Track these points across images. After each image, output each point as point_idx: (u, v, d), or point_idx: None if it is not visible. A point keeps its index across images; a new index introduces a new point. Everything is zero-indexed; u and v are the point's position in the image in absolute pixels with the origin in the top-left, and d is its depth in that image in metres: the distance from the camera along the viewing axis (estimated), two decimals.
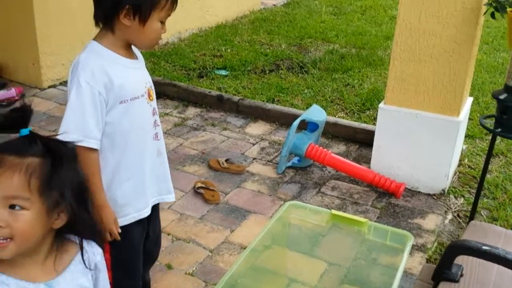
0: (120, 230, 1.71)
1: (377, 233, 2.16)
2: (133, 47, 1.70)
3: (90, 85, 1.57)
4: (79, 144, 1.54)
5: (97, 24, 1.65)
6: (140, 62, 1.75)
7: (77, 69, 1.58)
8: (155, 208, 1.89)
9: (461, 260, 1.83)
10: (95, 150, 1.62)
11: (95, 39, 1.65)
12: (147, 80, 1.75)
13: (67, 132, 1.51)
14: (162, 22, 1.62)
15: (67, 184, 1.10)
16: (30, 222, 1.06)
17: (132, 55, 1.70)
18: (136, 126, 1.69)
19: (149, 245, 1.92)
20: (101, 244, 1.22)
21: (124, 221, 1.72)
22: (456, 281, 1.79)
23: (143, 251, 1.89)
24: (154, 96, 1.77)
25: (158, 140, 1.80)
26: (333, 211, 2.19)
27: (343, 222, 2.20)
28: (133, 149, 1.69)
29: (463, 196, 3.25)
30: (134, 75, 1.68)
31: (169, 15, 1.62)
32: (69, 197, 1.09)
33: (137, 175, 1.72)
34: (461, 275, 1.80)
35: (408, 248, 2.03)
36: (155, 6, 1.56)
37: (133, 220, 1.74)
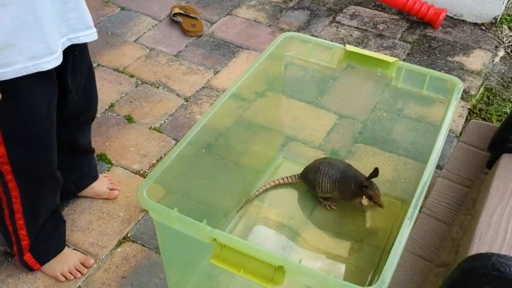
0: None
1: (409, 78, 1.52)
2: None
3: None
4: None
5: None
6: None
7: None
8: (79, 51, 1.23)
9: None
10: None
11: None
12: None
13: None
14: None
15: None
16: None
17: None
18: None
19: (72, 103, 1.30)
20: None
21: (7, 74, 1.06)
22: None
23: (65, 112, 1.28)
24: None
25: None
26: (348, 47, 1.51)
27: (362, 62, 1.54)
28: None
29: None
30: None
31: None
32: None
33: None
34: None
35: (455, 100, 1.39)
36: None
37: (24, 73, 1.08)
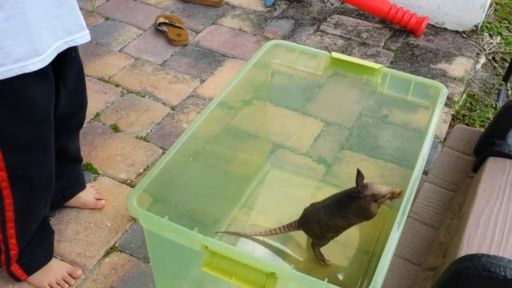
0: None
1: (395, 84, 1.53)
2: None
3: None
4: None
5: None
6: None
7: None
8: (70, 55, 1.23)
9: None
10: None
11: None
12: None
13: None
14: None
15: None
16: None
17: None
18: None
19: (64, 105, 1.29)
20: None
21: (3, 73, 1.05)
22: None
23: (56, 115, 1.27)
24: None
25: None
26: (334, 54, 1.53)
27: (348, 69, 1.55)
28: None
29: (501, 34, 2.57)
30: None
31: None
32: None
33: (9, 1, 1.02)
34: None
35: (440, 105, 1.41)
36: None
37: (9, 75, 1.06)
